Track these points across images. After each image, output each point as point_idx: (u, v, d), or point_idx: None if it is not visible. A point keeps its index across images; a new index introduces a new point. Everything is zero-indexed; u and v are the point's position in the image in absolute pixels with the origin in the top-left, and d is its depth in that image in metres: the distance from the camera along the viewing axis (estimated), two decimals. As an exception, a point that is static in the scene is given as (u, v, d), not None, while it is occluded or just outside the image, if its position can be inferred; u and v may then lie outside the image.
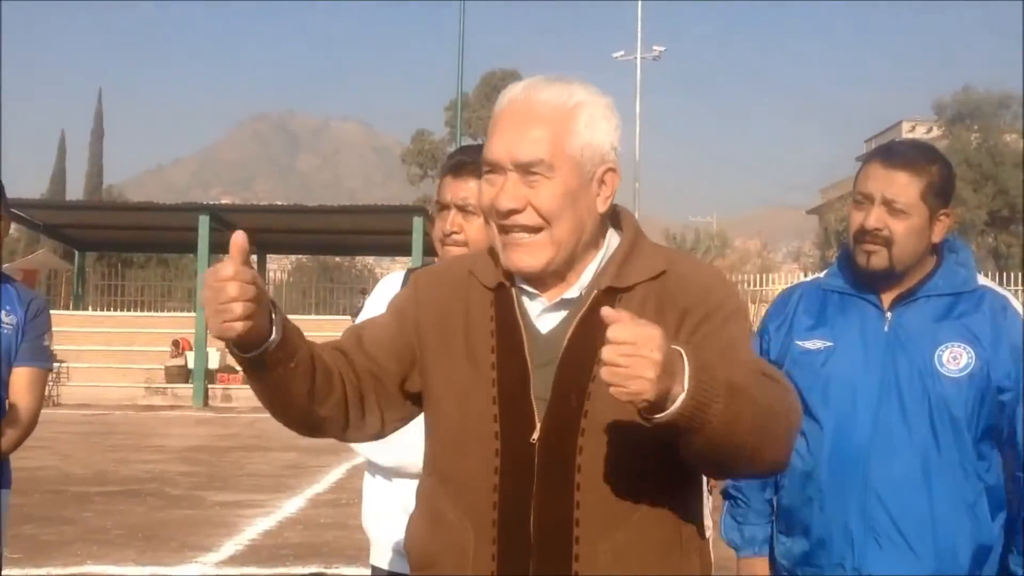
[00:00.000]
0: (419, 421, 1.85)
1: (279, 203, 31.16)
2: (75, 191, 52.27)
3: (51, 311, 3.35)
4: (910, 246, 2.39)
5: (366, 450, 2.52)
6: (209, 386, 21.03)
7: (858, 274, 2.48)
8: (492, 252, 1.77)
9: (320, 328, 22.51)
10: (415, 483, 1.87)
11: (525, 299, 1.74)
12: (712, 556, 1.92)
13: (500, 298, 1.74)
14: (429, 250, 20.62)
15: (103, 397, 20.81)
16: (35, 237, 34.67)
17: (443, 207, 2.45)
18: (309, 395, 1.67)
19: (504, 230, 1.69)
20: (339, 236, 26.49)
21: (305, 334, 1.69)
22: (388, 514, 2.54)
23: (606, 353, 1.39)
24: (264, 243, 27.42)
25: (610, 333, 1.39)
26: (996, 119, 38.22)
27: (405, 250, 23.59)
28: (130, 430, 15.98)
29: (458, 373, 1.72)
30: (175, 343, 22.09)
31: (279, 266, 38.08)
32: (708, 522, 3.71)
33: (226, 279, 1.48)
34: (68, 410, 18.50)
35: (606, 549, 1.63)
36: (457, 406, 1.71)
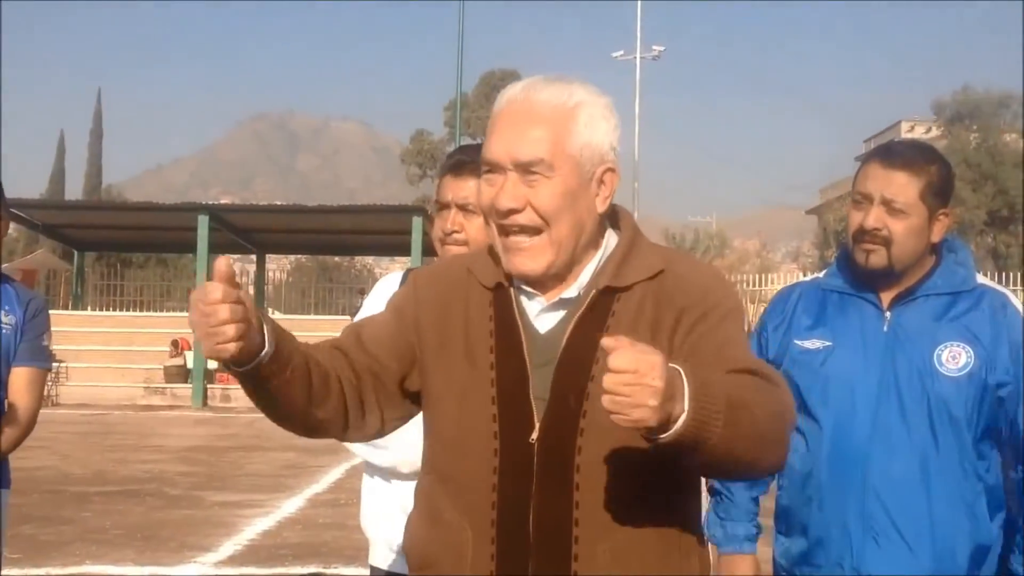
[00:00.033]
0: (414, 420, 1.85)
1: (278, 203, 31.15)
2: (74, 191, 52.32)
3: (50, 311, 3.34)
4: (909, 246, 2.39)
5: (361, 450, 2.52)
6: (208, 386, 21.03)
7: (857, 274, 2.48)
8: (491, 251, 1.77)
9: (319, 328, 22.50)
10: (413, 483, 1.87)
11: (524, 298, 1.74)
12: (711, 556, 1.92)
13: (499, 297, 1.74)
14: (428, 250, 20.62)
15: (102, 397, 20.80)
16: (34, 237, 34.67)
17: (443, 206, 2.45)
18: (306, 400, 1.67)
19: (504, 231, 1.68)
20: (338, 236, 26.49)
21: (304, 334, 1.69)
22: (387, 514, 2.54)
23: (607, 382, 1.38)
24: (263, 243, 27.43)
25: (611, 362, 1.38)
26: (995, 119, 38.25)
27: (404, 250, 23.58)
28: (129, 430, 15.97)
29: (457, 373, 1.72)
30: (174, 343, 22.08)
31: (278, 266, 38.09)
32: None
33: (215, 302, 1.48)
34: (67, 410, 18.49)
35: (605, 549, 1.63)
36: (456, 406, 1.71)
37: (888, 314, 2.45)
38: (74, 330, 21.28)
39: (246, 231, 25.55)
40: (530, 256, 1.67)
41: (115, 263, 32.22)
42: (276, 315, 27.50)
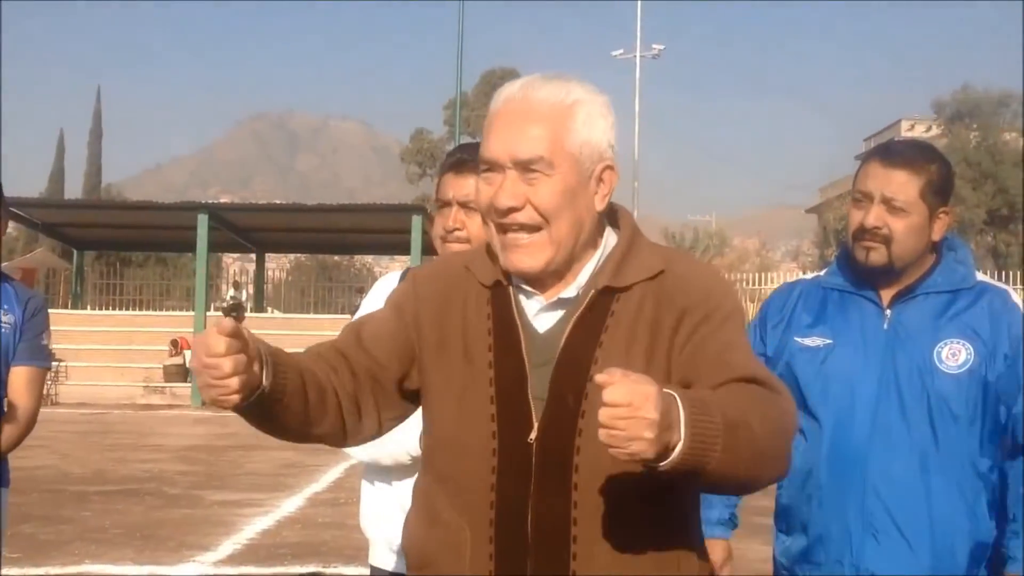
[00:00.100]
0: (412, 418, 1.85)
1: (278, 202, 31.16)
2: (74, 190, 52.34)
3: (49, 310, 3.34)
4: (910, 244, 2.40)
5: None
6: (208, 385, 21.00)
7: (857, 272, 2.48)
8: (489, 250, 1.76)
9: (319, 327, 22.50)
10: (412, 482, 1.87)
11: (522, 298, 1.73)
12: (710, 556, 1.92)
13: (497, 296, 1.74)
14: (428, 249, 20.61)
15: (101, 396, 20.79)
16: (34, 236, 34.66)
17: (444, 204, 2.45)
18: (302, 421, 1.67)
19: (502, 229, 1.68)
20: (338, 235, 26.48)
21: (304, 333, 1.69)
22: (386, 514, 2.54)
23: (602, 416, 1.38)
24: (263, 242, 27.43)
25: (605, 395, 1.38)
26: (995, 118, 38.27)
27: (404, 249, 23.58)
28: (128, 429, 15.97)
29: (455, 371, 1.72)
30: (173, 342, 22.08)
31: (278, 265, 38.08)
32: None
33: (219, 355, 1.47)
34: (66, 409, 18.49)
35: (604, 549, 1.63)
36: (454, 405, 1.70)
37: (888, 312, 2.45)
38: (73, 329, 21.26)
39: (246, 230, 25.55)
40: (528, 253, 1.67)
41: (114, 262, 32.22)
42: (275, 314, 27.55)
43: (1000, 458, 2.42)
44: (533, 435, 1.64)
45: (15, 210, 21.69)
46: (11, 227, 27.45)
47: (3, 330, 3.10)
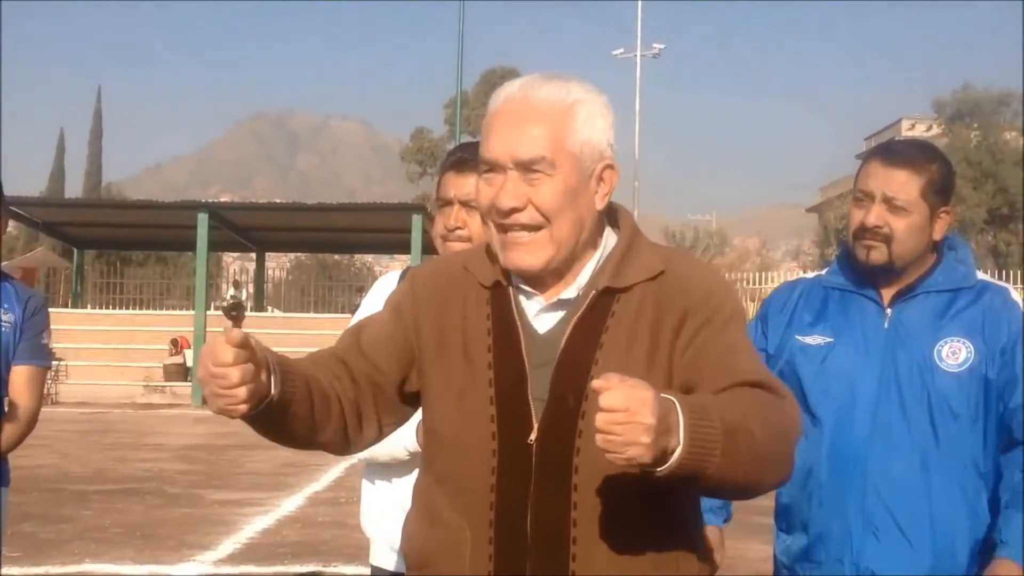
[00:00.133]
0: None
1: (278, 201, 31.15)
2: (74, 189, 52.33)
3: (50, 309, 3.34)
4: (910, 243, 2.40)
5: None
6: (208, 384, 21.01)
7: (858, 271, 2.49)
8: (488, 250, 1.76)
9: (319, 326, 22.51)
10: (412, 480, 1.87)
11: (522, 298, 1.73)
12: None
13: (497, 297, 1.73)
14: (428, 248, 20.61)
15: (102, 395, 20.79)
16: (34, 235, 34.67)
17: (446, 203, 2.45)
18: (308, 428, 1.67)
19: (503, 229, 1.68)
20: (338, 234, 26.48)
21: (304, 332, 1.69)
22: (387, 514, 2.53)
23: (599, 422, 1.38)
24: (263, 241, 27.43)
25: (602, 401, 1.38)
26: (996, 117, 38.27)
27: (404, 248, 23.57)
28: (128, 428, 15.97)
29: (455, 372, 1.71)
30: (174, 341, 22.08)
31: (278, 264, 38.07)
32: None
33: (226, 364, 1.47)
34: (67, 408, 18.49)
35: (603, 550, 1.62)
36: (454, 405, 1.70)
37: (889, 311, 2.45)
38: (74, 328, 21.26)
39: (246, 229, 25.55)
40: (529, 251, 1.67)
41: (115, 261, 32.22)
42: (276, 313, 27.55)
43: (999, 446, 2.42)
44: (533, 436, 1.64)
45: (15, 209, 21.69)
46: (11, 226, 27.46)
47: (3, 329, 3.10)
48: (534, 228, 1.66)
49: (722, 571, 2.51)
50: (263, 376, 1.53)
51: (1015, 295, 2.46)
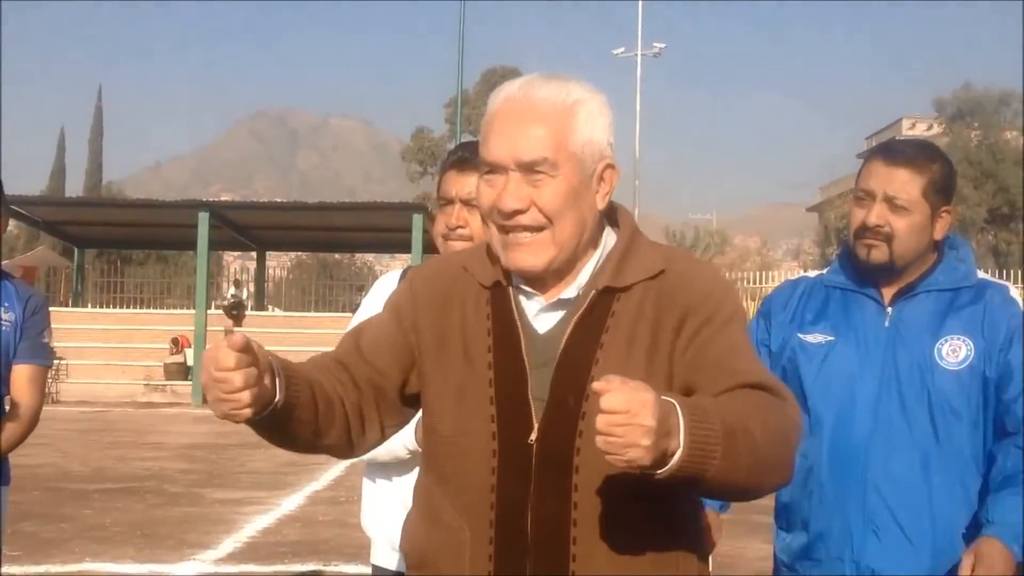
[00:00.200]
0: None
1: (279, 200, 31.14)
2: (75, 188, 52.29)
3: (50, 308, 3.35)
4: (911, 243, 2.40)
5: None
6: (208, 383, 21.01)
7: (859, 270, 2.49)
8: (488, 249, 1.76)
9: (320, 325, 22.51)
10: (413, 478, 1.87)
11: (522, 298, 1.73)
12: (710, 555, 1.92)
13: (497, 297, 1.73)
14: (429, 247, 20.61)
15: (102, 394, 20.81)
16: (35, 234, 34.66)
17: (447, 202, 2.45)
18: (312, 432, 1.67)
19: (505, 230, 1.67)
20: (339, 233, 26.49)
21: (304, 331, 1.69)
22: (388, 512, 2.53)
23: (600, 423, 1.38)
24: (264, 240, 27.44)
25: (603, 402, 1.37)
26: (996, 116, 38.30)
27: (405, 247, 23.58)
28: (129, 427, 15.99)
29: (455, 372, 1.71)
30: (174, 340, 22.09)
31: (279, 263, 38.10)
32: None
33: (228, 369, 1.46)
34: (67, 407, 18.50)
35: (603, 550, 1.62)
36: (454, 406, 1.70)
37: (890, 310, 2.46)
38: (74, 327, 21.28)
39: (246, 228, 25.56)
40: (531, 252, 1.66)
41: (115, 260, 32.24)
42: (276, 312, 27.55)
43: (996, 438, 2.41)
44: (533, 436, 1.64)
45: (16, 208, 21.70)
46: (12, 225, 27.50)
47: (3, 328, 3.10)
48: (536, 229, 1.66)
49: (722, 571, 2.51)
50: (267, 380, 1.53)
51: (1014, 293, 2.46)
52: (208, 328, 21.05)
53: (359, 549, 6.77)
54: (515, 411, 1.66)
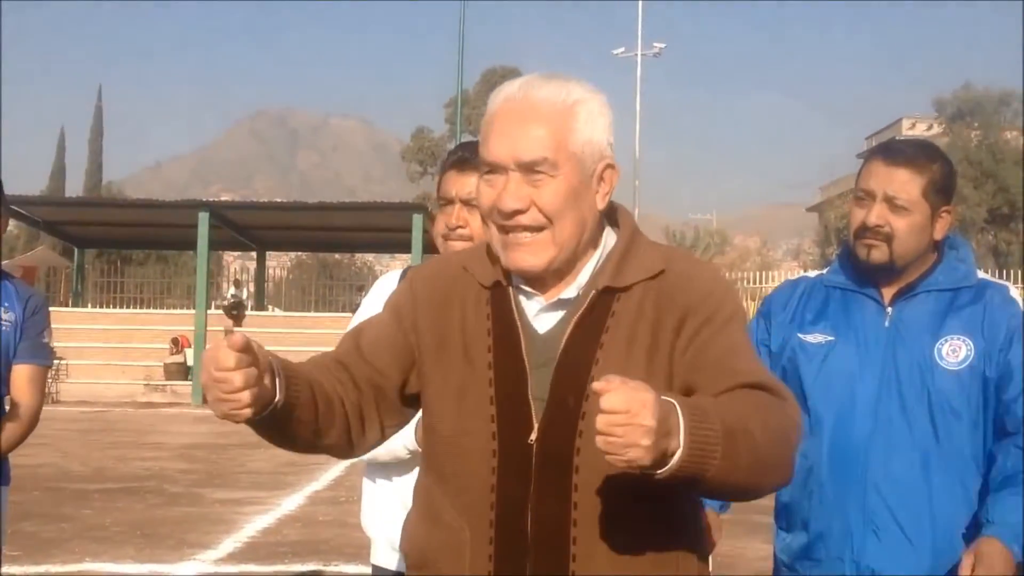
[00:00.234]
0: None
1: (279, 200, 31.14)
2: (75, 188, 52.25)
3: (50, 308, 3.35)
4: (911, 243, 2.40)
5: None
6: (208, 383, 21.01)
7: (859, 270, 2.49)
8: (488, 249, 1.76)
9: (320, 325, 22.50)
10: (413, 478, 1.87)
11: (522, 298, 1.72)
12: (710, 555, 1.92)
13: (497, 297, 1.73)
14: (429, 247, 20.61)
15: (102, 394, 20.81)
16: (35, 234, 34.66)
17: (447, 202, 2.45)
18: (312, 432, 1.67)
19: (505, 230, 1.67)
20: (339, 233, 26.49)
21: (304, 331, 1.68)
22: (389, 512, 2.53)
23: (600, 423, 1.38)
24: (264, 240, 27.44)
25: (603, 402, 1.37)
26: (996, 116, 38.30)
27: (405, 247, 23.58)
28: (129, 427, 15.99)
29: (455, 372, 1.71)
30: (174, 341, 22.09)
31: (279, 263, 38.10)
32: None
33: (228, 369, 1.46)
34: (67, 407, 18.50)
35: (604, 550, 1.62)
36: (454, 406, 1.70)
37: (890, 310, 2.46)
38: (74, 327, 21.28)
39: (246, 228, 25.56)
40: (531, 252, 1.66)
41: (115, 260, 32.24)
42: (276, 312, 27.55)
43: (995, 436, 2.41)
44: (533, 436, 1.64)
45: (16, 208, 21.70)
46: (12, 225, 27.49)
47: (3, 328, 3.10)
48: (536, 229, 1.66)
49: (722, 571, 2.51)
50: (267, 380, 1.53)
51: (1014, 292, 2.46)
52: (208, 328, 21.05)
53: (359, 549, 6.77)
54: (515, 411, 1.65)
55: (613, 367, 1.56)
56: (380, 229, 25.05)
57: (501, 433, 1.65)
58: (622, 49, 44.02)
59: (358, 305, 2.74)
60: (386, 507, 2.55)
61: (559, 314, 1.70)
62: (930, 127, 41.33)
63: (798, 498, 2.50)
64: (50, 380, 16.48)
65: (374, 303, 2.41)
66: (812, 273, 2.70)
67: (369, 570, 2.67)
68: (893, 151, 2.45)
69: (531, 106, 1.65)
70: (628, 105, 42.71)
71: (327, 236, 27.15)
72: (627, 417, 1.36)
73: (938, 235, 2.44)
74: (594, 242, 1.73)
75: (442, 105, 44.77)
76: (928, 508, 2.38)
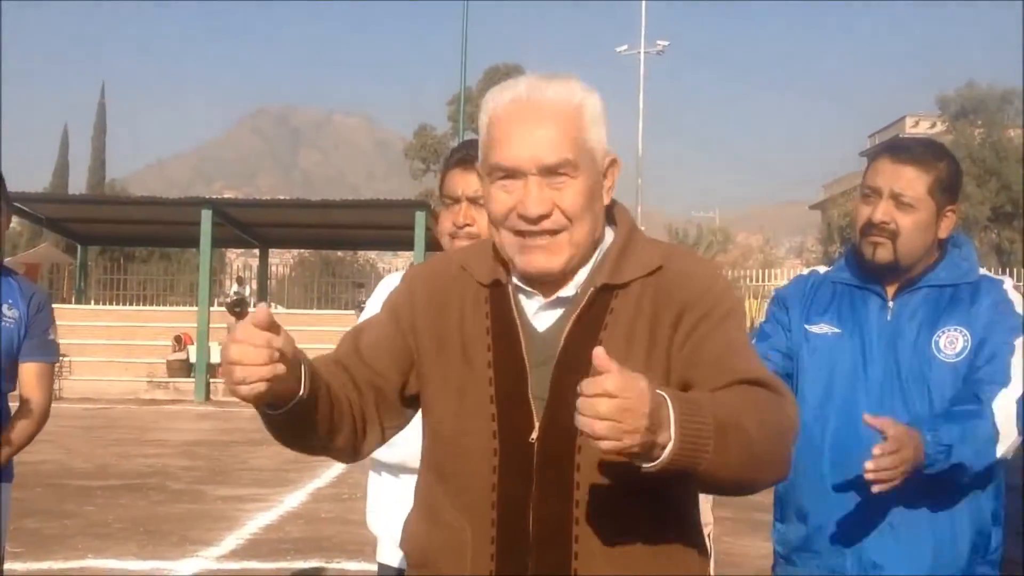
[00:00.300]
0: (418, 418, 1.84)
1: (281, 197, 31.17)
2: (78, 185, 52.23)
3: (53, 305, 3.35)
4: (916, 240, 2.41)
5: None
6: (211, 380, 21.05)
7: (864, 268, 2.50)
8: (487, 248, 1.75)
9: (322, 322, 22.50)
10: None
11: (522, 297, 1.72)
12: (712, 553, 1.92)
13: (496, 296, 1.72)
14: (432, 244, 20.61)
15: (105, 391, 20.82)
16: (38, 231, 34.71)
17: (453, 200, 2.44)
18: (328, 432, 1.66)
19: (523, 234, 1.65)
20: (342, 230, 26.47)
21: (307, 329, 1.68)
22: (394, 510, 2.53)
23: (606, 409, 1.34)
24: (266, 237, 27.43)
25: (609, 386, 1.34)
26: (1000, 114, 38.26)
27: (407, 245, 23.56)
28: (132, 424, 15.99)
29: (454, 372, 1.71)
30: (177, 338, 22.10)
31: (281, 260, 38.14)
32: (709, 517, 3.71)
33: (250, 341, 1.43)
34: (70, 404, 18.50)
35: (605, 548, 1.62)
36: (454, 405, 1.70)
37: (891, 304, 2.47)
38: (77, 324, 21.29)
39: (249, 225, 25.55)
40: (550, 253, 1.65)
41: (118, 257, 32.27)
42: (279, 309, 27.55)
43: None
44: (534, 435, 1.64)
45: (19, 205, 21.71)
46: (15, 222, 27.54)
47: (6, 324, 3.11)
48: (556, 231, 1.65)
49: (724, 569, 2.52)
50: (295, 371, 1.50)
51: (1008, 285, 2.48)
52: (211, 325, 21.06)
53: (361, 546, 6.77)
54: (515, 410, 1.65)
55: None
56: (383, 226, 25.03)
57: (502, 432, 1.65)
58: (625, 47, 44.00)
59: (360, 302, 2.73)
60: (392, 505, 2.55)
61: (558, 312, 1.69)
62: (933, 125, 41.28)
63: (798, 490, 2.51)
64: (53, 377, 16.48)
65: (378, 304, 2.40)
66: (821, 269, 2.71)
67: (371, 567, 2.67)
68: (900, 149, 2.46)
69: (542, 108, 1.63)
70: (631, 103, 42.68)
71: (330, 233, 27.14)
72: (621, 402, 1.34)
73: (943, 233, 2.45)
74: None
75: (445, 102, 44.83)
76: (929, 502, 2.39)
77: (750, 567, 6.36)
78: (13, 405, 3.21)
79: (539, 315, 1.70)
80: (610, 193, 1.71)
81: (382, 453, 2.50)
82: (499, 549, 1.64)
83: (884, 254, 2.42)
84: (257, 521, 8.18)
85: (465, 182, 2.41)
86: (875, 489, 2.19)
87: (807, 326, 2.53)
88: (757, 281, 24.22)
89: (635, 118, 42.18)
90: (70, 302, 26.15)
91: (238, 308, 22.39)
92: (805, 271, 2.76)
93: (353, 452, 1.75)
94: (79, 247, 27.82)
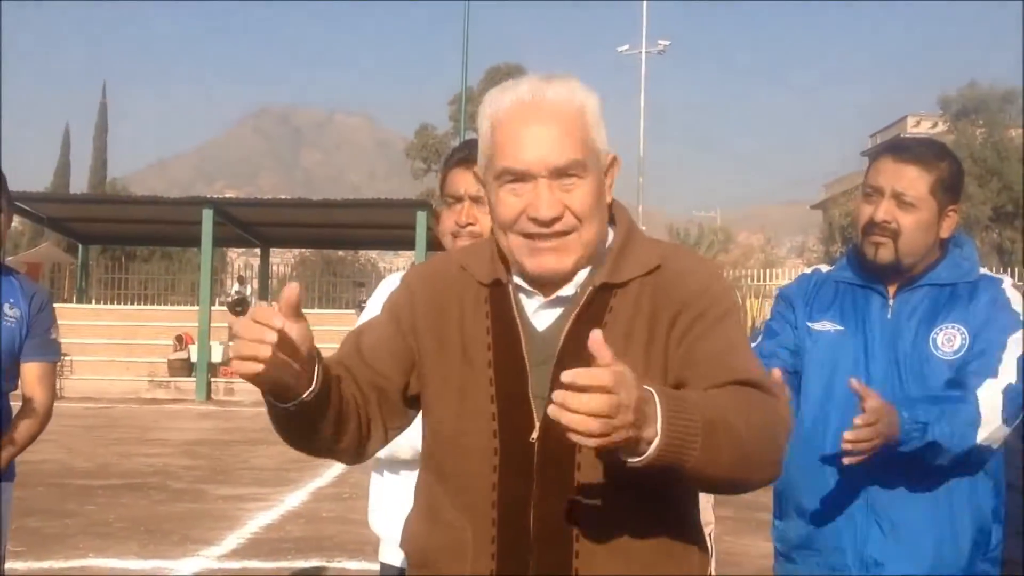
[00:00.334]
0: None
1: (283, 197, 31.18)
2: (79, 184, 52.21)
3: (55, 304, 3.36)
4: (918, 240, 2.41)
5: None
6: (212, 380, 21.06)
7: (866, 268, 2.50)
8: (487, 247, 1.75)
9: (323, 322, 22.49)
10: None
11: (521, 296, 1.72)
12: (712, 552, 1.91)
13: (496, 295, 1.72)
14: (433, 244, 20.62)
15: (106, 390, 20.83)
16: (39, 230, 34.71)
17: (455, 199, 2.44)
18: (335, 433, 1.65)
19: (532, 236, 1.65)
20: (342, 230, 26.47)
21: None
22: (396, 510, 2.52)
23: (600, 404, 1.32)
24: (267, 237, 27.44)
25: (604, 379, 1.33)
26: (1001, 114, 38.22)
27: (408, 244, 23.57)
28: (133, 423, 16.00)
29: (454, 372, 1.71)
30: (178, 337, 22.11)
31: (282, 260, 38.14)
32: (710, 516, 3.71)
33: (264, 319, 1.43)
34: (71, 403, 18.50)
35: (606, 547, 1.62)
36: (455, 405, 1.70)
37: (892, 301, 2.48)
38: (79, 323, 21.29)
39: (250, 225, 25.56)
40: (559, 255, 1.65)
41: (120, 256, 32.27)
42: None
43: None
44: (535, 434, 1.64)
45: (20, 204, 21.71)
46: (16, 221, 27.56)
47: (7, 323, 3.11)
48: (566, 232, 1.64)
49: (725, 568, 2.51)
50: (309, 365, 1.50)
51: (1007, 283, 2.48)
52: (212, 325, 21.07)
53: (362, 545, 6.77)
54: (516, 409, 1.65)
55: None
56: (384, 226, 25.03)
57: (502, 432, 1.65)
58: (627, 46, 43.98)
59: (361, 301, 2.73)
60: (394, 504, 2.55)
61: (557, 311, 1.69)
62: (935, 125, 41.24)
63: (799, 487, 2.51)
64: (54, 376, 16.50)
65: (379, 304, 2.40)
66: (824, 267, 2.71)
67: (372, 566, 2.67)
68: (902, 148, 2.46)
69: (546, 109, 1.63)
70: (632, 102, 42.67)
71: (331, 233, 27.14)
72: (613, 397, 1.33)
73: (944, 233, 2.46)
74: (598, 238, 1.73)
75: (446, 102, 44.80)
76: (931, 499, 2.39)
77: (751, 566, 6.36)
78: (15, 404, 3.22)
79: (539, 314, 1.70)
80: (610, 191, 1.71)
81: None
82: (500, 549, 1.64)
83: (886, 254, 2.42)
84: (258, 520, 8.18)
85: (467, 181, 2.41)
86: (846, 461, 2.20)
87: (810, 323, 2.54)
88: (758, 281, 24.19)
89: (636, 118, 42.17)
90: (71, 301, 26.15)
91: (239, 307, 22.39)
92: (808, 270, 2.76)
93: (357, 453, 1.74)
94: (80, 246, 27.83)
